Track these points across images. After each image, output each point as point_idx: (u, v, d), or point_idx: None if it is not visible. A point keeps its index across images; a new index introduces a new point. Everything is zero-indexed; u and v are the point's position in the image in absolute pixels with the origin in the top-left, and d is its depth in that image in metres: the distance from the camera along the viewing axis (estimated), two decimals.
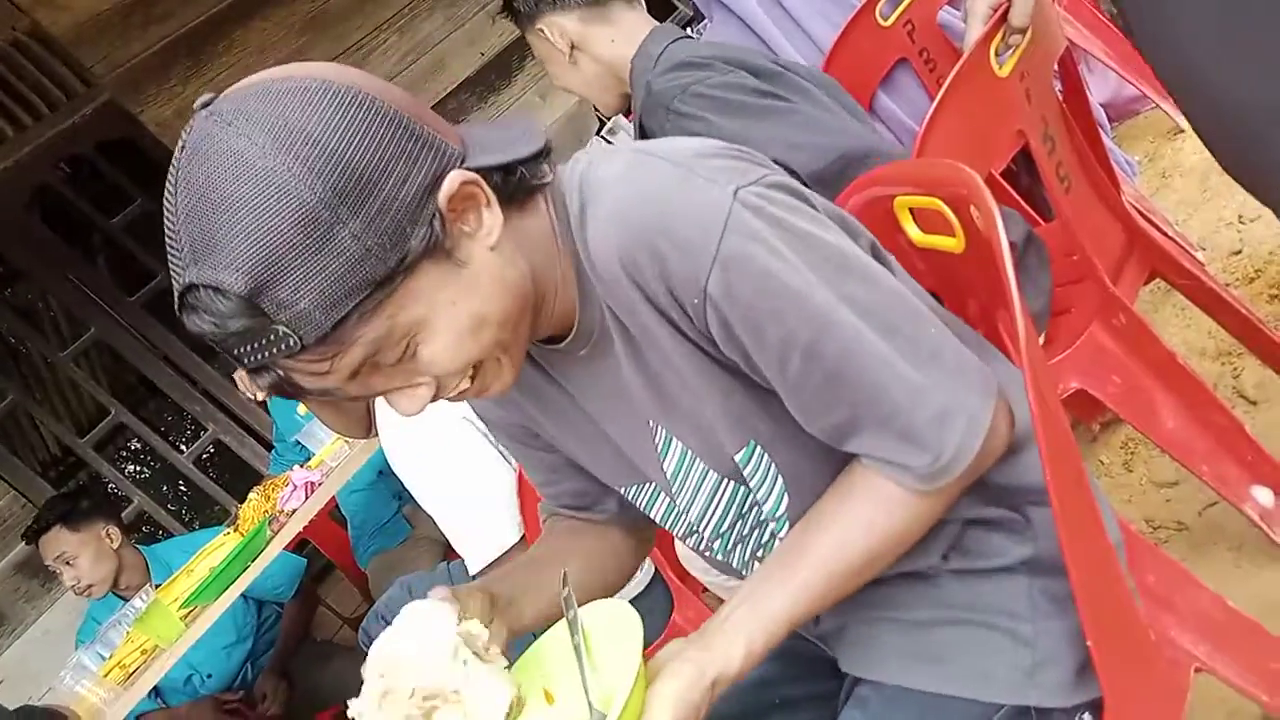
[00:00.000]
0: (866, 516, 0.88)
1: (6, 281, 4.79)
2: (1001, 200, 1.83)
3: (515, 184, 0.84)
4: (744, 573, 1.05)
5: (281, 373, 0.77)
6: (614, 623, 0.88)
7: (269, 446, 4.05)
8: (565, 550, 1.10)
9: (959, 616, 0.97)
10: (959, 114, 1.51)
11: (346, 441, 2.54)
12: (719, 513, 0.99)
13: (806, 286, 0.81)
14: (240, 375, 2.06)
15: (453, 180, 0.77)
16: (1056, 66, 1.69)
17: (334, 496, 3.07)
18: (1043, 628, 0.95)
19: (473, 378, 0.85)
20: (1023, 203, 1.89)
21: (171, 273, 0.76)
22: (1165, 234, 1.86)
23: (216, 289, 0.72)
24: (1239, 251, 2.30)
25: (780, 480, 0.93)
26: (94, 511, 2.97)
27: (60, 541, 2.90)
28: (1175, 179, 2.77)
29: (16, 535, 3.47)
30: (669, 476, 0.98)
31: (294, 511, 2.38)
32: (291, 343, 0.73)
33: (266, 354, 0.74)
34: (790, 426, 0.90)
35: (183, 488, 8.58)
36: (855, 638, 1.03)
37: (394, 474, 1.91)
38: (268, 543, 2.35)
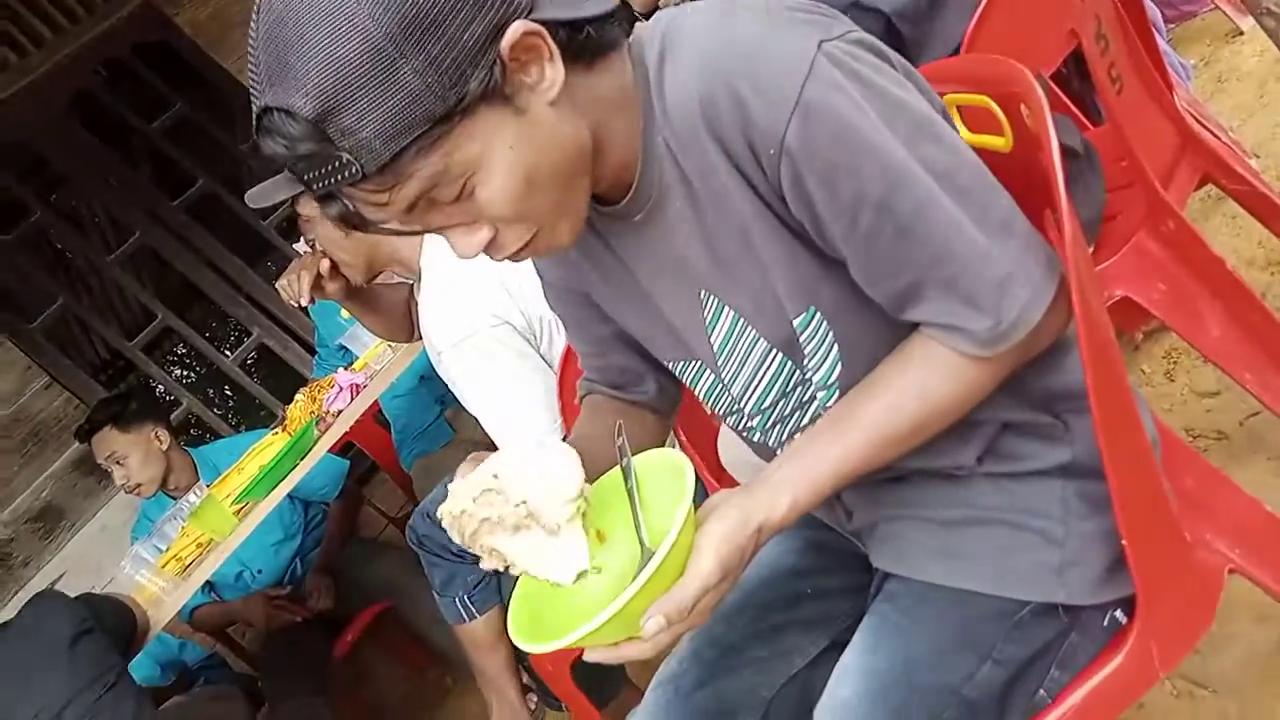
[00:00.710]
0: (920, 382, 0.89)
1: (51, 186, 4.84)
2: (1053, 105, 1.79)
3: (581, 41, 0.85)
4: (779, 452, 1.07)
5: (348, 202, 0.81)
6: (665, 470, 0.91)
7: (312, 351, 4.12)
8: (611, 428, 1.12)
9: (989, 516, 0.99)
10: (1009, 12, 1.47)
11: (390, 345, 2.57)
12: (763, 386, 1.01)
13: (884, 142, 0.81)
14: (282, 284, 2.09)
15: (516, 29, 0.78)
16: None
17: (378, 400, 3.14)
18: (1074, 529, 0.97)
19: (532, 237, 0.87)
20: (1073, 108, 1.84)
21: (251, 96, 0.81)
22: (1218, 138, 1.81)
23: (288, 112, 0.76)
24: None
25: (836, 349, 0.94)
26: (143, 413, 3.05)
27: (111, 441, 2.99)
28: (1231, 83, 2.69)
29: (71, 435, 3.58)
30: (715, 349, 0.99)
31: (340, 413, 2.43)
32: (354, 170, 0.77)
33: (331, 180, 0.78)
34: (851, 295, 0.91)
35: (229, 392, 8.77)
36: (886, 534, 1.05)
37: (437, 378, 1.94)
38: (315, 442, 2.41)
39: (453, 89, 0.76)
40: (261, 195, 2.06)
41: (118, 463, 3.00)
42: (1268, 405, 1.51)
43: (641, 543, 0.87)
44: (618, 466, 0.94)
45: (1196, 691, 1.42)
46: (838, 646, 1.04)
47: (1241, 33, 2.79)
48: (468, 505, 0.85)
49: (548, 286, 1.14)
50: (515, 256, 0.89)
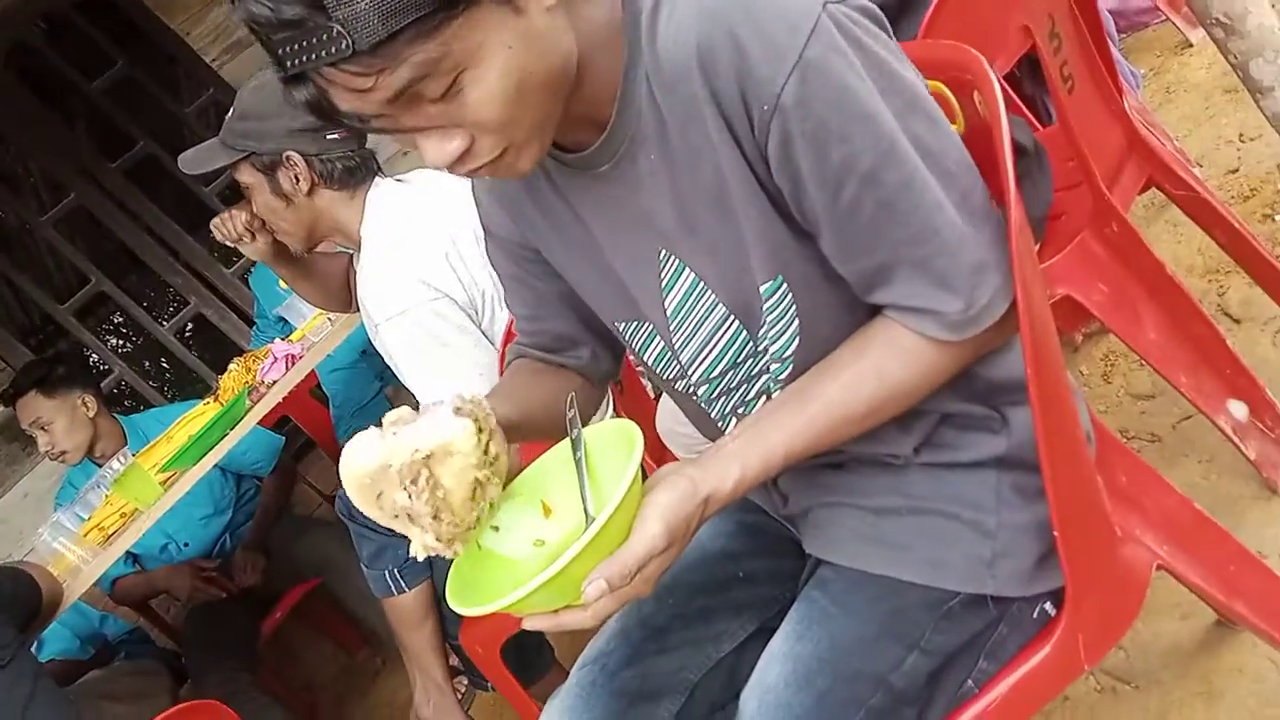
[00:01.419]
0: (881, 364, 0.88)
1: None
2: (1006, 105, 1.80)
3: None
4: (721, 426, 1.05)
5: (321, 84, 0.75)
6: (613, 441, 0.89)
7: (251, 322, 4.04)
8: (541, 384, 1.09)
9: (923, 506, 0.99)
10: (965, 4, 1.47)
11: (328, 317, 2.52)
12: (714, 355, 0.99)
13: (879, 112, 0.80)
14: (216, 222, 2.03)
15: None
16: None
17: (315, 374, 3.08)
18: (1006, 520, 0.97)
19: (500, 154, 0.83)
20: (1025, 109, 1.85)
21: None
22: (1165, 145, 1.83)
23: None
24: (1236, 170, 2.28)
25: (796, 323, 0.93)
26: (70, 379, 2.96)
27: (35, 406, 2.90)
28: (1179, 94, 2.73)
29: None
30: (669, 313, 0.97)
31: (274, 383, 2.38)
32: (343, 45, 0.71)
33: (314, 56, 0.72)
34: (820, 270, 0.89)
35: (165, 363, 8.58)
36: (820, 521, 1.04)
37: (377, 354, 1.90)
38: (246, 412, 2.35)
39: None
40: (196, 161, 2.00)
41: (42, 429, 2.91)
42: (1201, 409, 1.53)
43: (587, 514, 0.85)
44: (567, 438, 0.91)
45: (1119, 687, 1.44)
46: (766, 631, 1.03)
47: (1191, 45, 2.83)
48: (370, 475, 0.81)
49: (492, 241, 1.10)
50: (477, 172, 0.85)
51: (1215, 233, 1.71)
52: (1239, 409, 1.52)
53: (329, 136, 1.83)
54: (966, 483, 0.98)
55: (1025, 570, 0.97)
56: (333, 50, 0.72)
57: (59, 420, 2.91)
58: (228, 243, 2.07)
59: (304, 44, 0.72)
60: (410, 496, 0.79)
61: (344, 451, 0.81)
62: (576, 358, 1.12)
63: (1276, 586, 1.11)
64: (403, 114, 0.79)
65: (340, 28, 0.70)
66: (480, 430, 0.80)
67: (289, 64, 0.74)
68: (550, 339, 1.12)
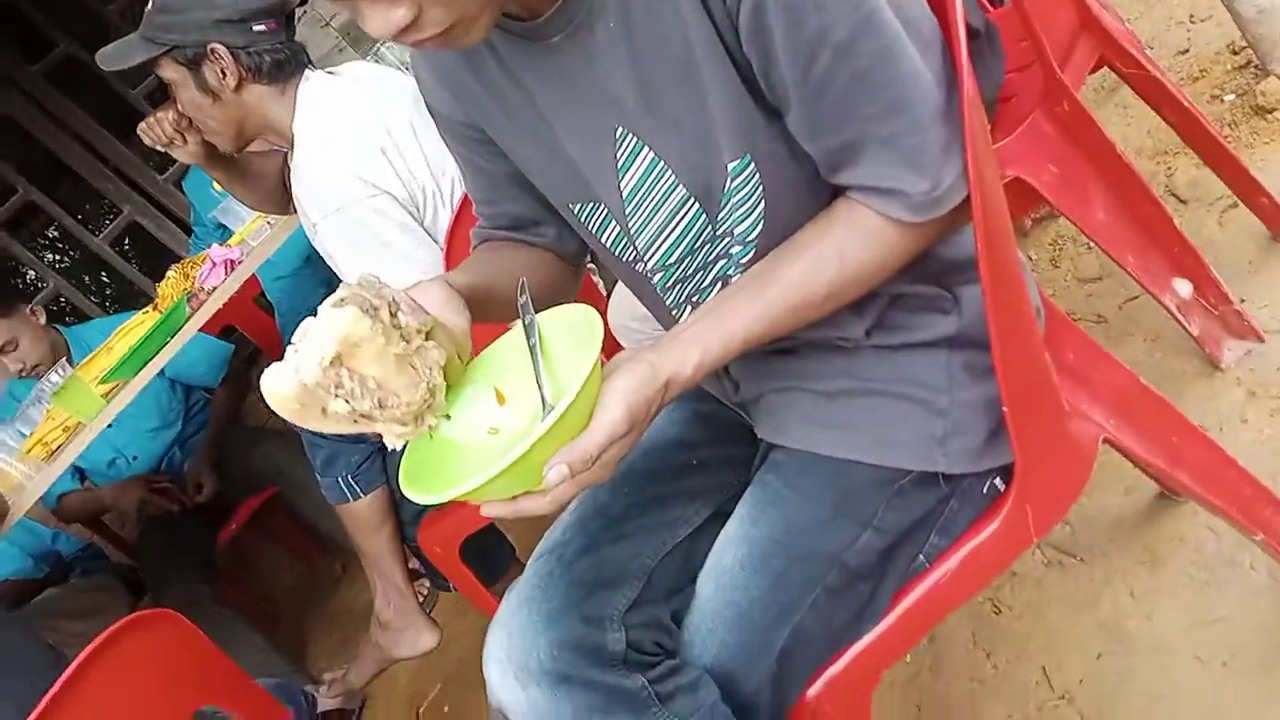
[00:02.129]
0: (841, 247, 0.86)
1: None
2: None
3: None
4: (675, 314, 1.04)
5: None
6: (572, 327, 0.87)
7: (189, 230, 3.93)
8: (507, 258, 1.06)
9: (873, 388, 0.98)
10: None
11: (267, 220, 2.45)
12: (671, 239, 0.96)
13: None
14: (143, 126, 1.95)
15: None
16: None
17: (259, 281, 3.00)
18: (957, 399, 0.97)
19: (449, 26, 0.79)
20: None
21: None
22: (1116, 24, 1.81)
23: None
24: (1186, 51, 2.26)
25: (762, 205, 0.90)
26: (14, 294, 2.88)
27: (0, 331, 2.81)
28: None
29: None
30: (624, 194, 0.94)
31: (214, 290, 2.31)
32: None
33: None
34: (787, 151, 0.87)
35: (105, 278, 8.36)
36: (771, 406, 1.04)
37: (320, 260, 1.85)
38: (186, 320, 2.29)
39: None
40: (115, 56, 1.90)
41: (5, 349, 2.82)
42: (1146, 287, 1.55)
43: (545, 401, 0.83)
44: (519, 324, 0.88)
45: (1065, 560, 1.48)
46: (722, 516, 1.03)
47: None
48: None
49: (438, 120, 1.06)
50: (422, 44, 0.80)
51: (1165, 112, 1.70)
52: (1184, 287, 1.54)
53: (255, 28, 1.75)
54: (918, 363, 0.98)
55: (976, 447, 0.98)
56: None
57: (24, 335, 2.84)
58: (158, 147, 1.99)
59: None
60: (347, 400, 0.76)
61: (262, 386, 0.78)
62: (541, 235, 1.09)
63: (1217, 455, 1.13)
64: None
65: None
66: (369, 310, 0.77)
67: None
68: (510, 220, 1.09)
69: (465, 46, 0.83)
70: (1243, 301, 1.58)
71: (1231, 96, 2.02)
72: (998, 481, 1.01)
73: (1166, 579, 1.33)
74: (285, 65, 1.79)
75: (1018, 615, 1.45)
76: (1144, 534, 1.40)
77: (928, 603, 0.99)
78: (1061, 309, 1.87)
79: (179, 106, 1.87)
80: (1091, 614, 1.37)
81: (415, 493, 0.80)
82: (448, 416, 0.88)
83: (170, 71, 1.79)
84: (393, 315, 0.78)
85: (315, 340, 0.76)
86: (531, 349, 0.86)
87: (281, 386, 0.76)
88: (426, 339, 0.81)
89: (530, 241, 1.09)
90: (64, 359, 2.72)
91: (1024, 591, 1.48)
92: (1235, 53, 2.09)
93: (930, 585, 0.99)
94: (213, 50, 1.73)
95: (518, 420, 0.88)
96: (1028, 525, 1.00)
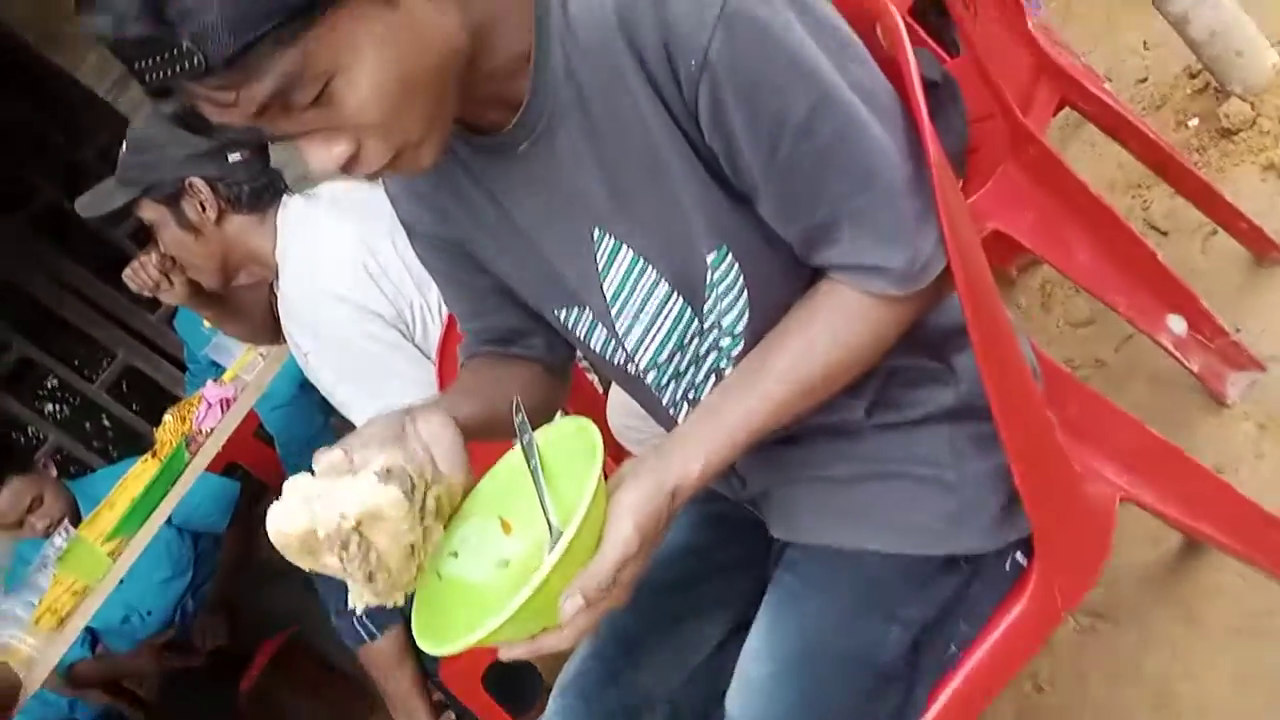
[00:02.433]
0: (831, 329, 0.85)
1: None
2: (911, 40, 1.76)
3: None
4: (673, 412, 1.01)
5: (185, 100, 0.71)
6: (570, 443, 0.84)
7: (184, 368, 3.92)
8: (500, 377, 1.04)
9: (881, 470, 0.96)
10: None
11: (259, 352, 2.44)
12: (660, 336, 0.94)
13: (810, 59, 0.76)
14: (128, 273, 1.95)
15: None
16: None
17: (256, 414, 2.98)
18: (966, 472, 0.95)
19: (395, 155, 0.78)
20: (931, 42, 1.83)
21: None
22: (1072, 62, 1.83)
23: None
24: (1145, 79, 2.29)
25: (745, 295, 0.89)
26: (26, 451, 2.88)
27: (25, 490, 2.80)
28: (1080, 9, 2.74)
29: None
30: (609, 296, 0.93)
31: (211, 430, 2.29)
32: (195, 62, 0.67)
33: (167, 72, 0.68)
34: (762, 239, 0.86)
35: (105, 422, 8.34)
36: (781, 500, 1.02)
37: (315, 386, 1.84)
38: (186, 465, 2.27)
39: None
40: (93, 204, 1.91)
41: (37, 506, 2.80)
42: (1140, 328, 1.53)
43: (550, 525, 0.81)
44: (517, 447, 0.86)
45: (1100, 625, 1.44)
46: (744, 626, 1.00)
47: None
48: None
49: (415, 239, 1.05)
50: (373, 175, 0.80)
51: (1132, 145, 1.71)
52: (1178, 323, 1.52)
53: (231, 158, 1.75)
54: (922, 439, 0.96)
55: (991, 522, 0.95)
56: (184, 67, 0.67)
57: (47, 491, 2.83)
58: (144, 292, 1.99)
59: (156, 60, 0.67)
60: (342, 560, 0.75)
61: (268, 517, 0.76)
62: (530, 347, 1.07)
63: (1237, 502, 1.11)
64: (277, 122, 0.74)
65: (190, 43, 0.66)
66: (408, 492, 0.76)
67: (147, 79, 0.69)
68: (498, 333, 1.06)
69: (421, 171, 0.82)
70: (1238, 331, 1.56)
71: (1195, 121, 2.04)
72: (1019, 556, 0.98)
73: (1207, 635, 1.29)
74: (264, 193, 1.79)
75: (1060, 691, 1.41)
76: (1177, 588, 1.37)
77: (966, 696, 0.96)
78: (1059, 356, 1.87)
79: (161, 247, 1.87)
80: (1135, 681, 1.33)
81: (428, 644, 0.78)
82: (455, 554, 0.86)
83: (150, 212, 1.79)
84: (424, 497, 0.77)
85: (345, 499, 0.74)
86: (533, 471, 0.83)
87: (290, 526, 0.75)
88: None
89: (519, 355, 1.07)
90: (65, 521, 2.69)
91: (1063, 664, 1.43)
92: (1193, 76, 2.11)
93: (965, 677, 0.95)
94: (190, 185, 1.74)
95: (527, 548, 0.86)
96: (1056, 600, 0.97)
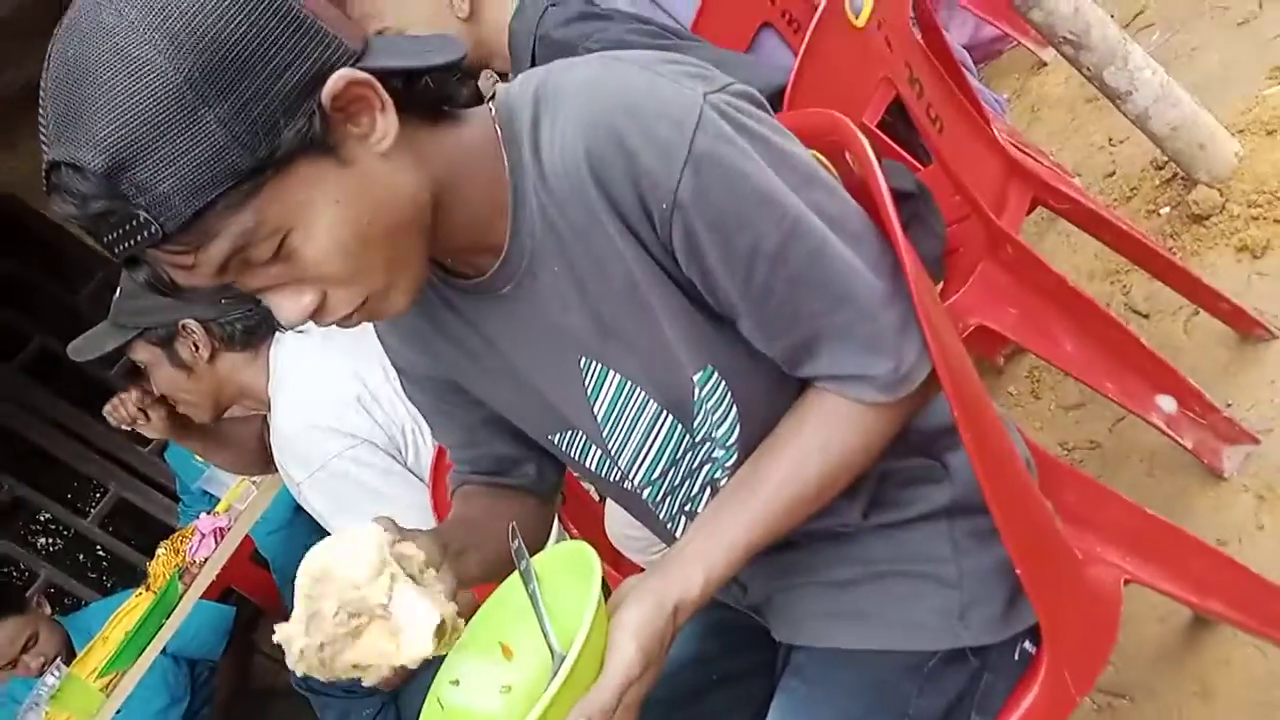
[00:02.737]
0: (822, 437, 0.86)
1: None
2: (882, 152, 1.82)
3: (420, 92, 0.80)
4: (670, 526, 1.02)
5: (152, 264, 0.74)
6: (568, 566, 0.84)
7: (177, 499, 3.90)
8: (493, 510, 1.04)
9: (882, 570, 0.96)
10: (822, 69, 1.50)
11: (252, 481, 2.44)
12: (653, 454, 0.95)
13: (776, 191, 0.79)
14: (108, 409, 1.97)
15: (339, 79, 0.73)
16: (913, 12, 1.69)
17: (252, 540, 2.96)
18: (967, 567, 0.95)
19: (364, 300, 0.80)
20: (903, 152, 1.89)
21: (42, 149, 0.74)
22: (1041, 162, 1.89)
23: (75, 166, 0.70)
24: (1112, 173, 2.35)
25: (735, 410, 0.90)
26: (20, 589, 2.88)
27: (21, 629, 2.79)
28: (1044, 111, 2.83)
29: None
30: (599, 419, 0.94)
31: (205, 561, 2.28)
32: (153, 230, 0.70)
33: (130, 242, 0.71)
34: (746, 354, 0.88)
35: (100, 552, 8.24)
36: (783, 605, 1.01)
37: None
38: (180, 597, 2.25)
39: (264, 140, 0.71)
40: (86, 348, 1.93)
41: (31, 645, 2.78)
42: (1131, 410, 1.55)
43: (552, 649, 0.81)
44: (516, 573, 0.86)
45: (1115, 702, 1.42)
46: None
47: (1045, 63, 2.95)
48: (302, 642, 0.77)
49: (406, 379, 1.07)
50: (345, 322, 0.82)
51: (1106, 237, 1.76)
52: (1168, 403, 1.54)
53: (224, 299, 1.79)
54: (921, 538, 0.96)
55: (997, 614, 0.95)
56: (145, 235, 0.71)
57: (41, 629, 2.83)
58: (123, 426, 2.00)
59: (120, 232, 0.71)
60: (336, 624, 0.75)
61: (323, 546, 0.79)
62: (524, 475, 1.08)
63: (1242, 577, 1.11)
64: (242, 278, 0.77)
65: (146, 214, 0.70)
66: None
67: (115, 250, 0.73)
68: (490, 463, 1.08)
69: (394, 314, 0.84)
70: (1229, 406, 1.58)
71: (1167, 209, 2.09)
72: (1028, 645, 0.97)
73: (1222, 709, 1.27)
74: (256, 330, 1.82)
75: None
76: (1189, 662, 1.35)
77: None
78: (1052, 440, 1.88)
79: (153, 385, 1.89)
80: None
81: None
82: (456, 682, 0.85)
83: (143, 353, 1.82)
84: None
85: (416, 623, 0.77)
86: (531, 596, 0.84)
87: (326, 560, 0.78)
88: None
89: (510, 484, 1.09)
90: (59, 659, 2.65)
91: None
92: (1159, 167, 2.17)
93: None
94: (184, 326, 1.77)
95: (529, 674, 0.85)
96: (1068, 686, 0.96)
